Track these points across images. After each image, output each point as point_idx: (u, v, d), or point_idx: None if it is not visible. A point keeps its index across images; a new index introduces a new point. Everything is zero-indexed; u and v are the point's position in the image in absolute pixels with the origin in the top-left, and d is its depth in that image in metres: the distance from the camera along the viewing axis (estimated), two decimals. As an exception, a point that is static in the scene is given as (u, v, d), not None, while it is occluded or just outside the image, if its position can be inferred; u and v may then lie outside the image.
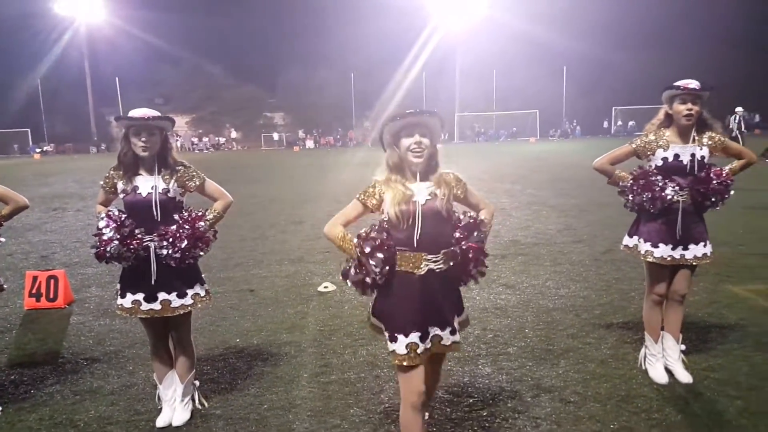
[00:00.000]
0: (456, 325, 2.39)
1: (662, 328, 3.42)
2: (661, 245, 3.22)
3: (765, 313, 4.36)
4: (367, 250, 2.23)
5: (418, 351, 2.26)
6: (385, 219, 2.30)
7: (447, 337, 2.35)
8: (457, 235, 2.35)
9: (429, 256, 2.28)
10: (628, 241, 3.45)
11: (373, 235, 2.26)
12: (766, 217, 8.25)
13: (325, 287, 5.36)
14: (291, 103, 50.83)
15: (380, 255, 2.22)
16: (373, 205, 2.35)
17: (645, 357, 3.47)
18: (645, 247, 3.28)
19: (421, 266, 2.27)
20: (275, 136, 48.55)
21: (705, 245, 3.26)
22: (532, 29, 41.26)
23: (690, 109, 3.05)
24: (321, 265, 6.31)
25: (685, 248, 3.22)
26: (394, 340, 2.29)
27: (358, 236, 2.30)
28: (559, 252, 6.60)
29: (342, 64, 46.29)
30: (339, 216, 2.42)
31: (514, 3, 41.90)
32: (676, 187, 3.13)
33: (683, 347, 3.42)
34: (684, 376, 3.28)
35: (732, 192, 3.19)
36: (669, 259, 3.23)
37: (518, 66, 43.61)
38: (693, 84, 3.05)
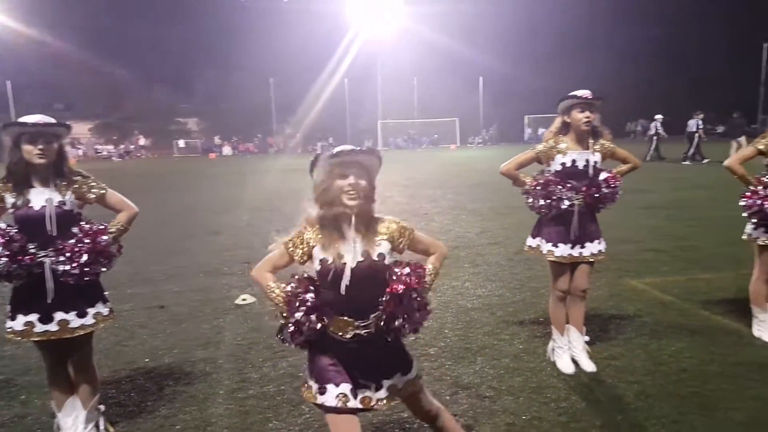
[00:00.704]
0: (398, 383, 2.16)
1: (567, 322, 3.63)
2: (560, 245, 3.43)
3: (659, 303, 4.73)
4: (299, 311, 2.04)
5: (348, 404, 2.08)
6: (316, 270, 2.08)
7: (375, 397, 2.13)
8: (391, 298, 2.02)
9: (356, 322, 2.05)
10: (531, 242, 3.64)
11: (301, 294, 2.05)
12: (660, 216, 8.94)
13: (243, 299, 5.22)
14: (206, 108, 48.82)
15: (311, 317, 2.03)
16: (299, 256, 2.11)
17: (553, 350, 3.66)
18: (547, 247, 3.49)
19: (348, 331, 2.07)
20: (180, 143, 45.55)
21: (599, 243, 3.50)
22: (448, 41, 42.63)
23: (588, 117, 3.29)
24: (239, 276, 6.15)
25: (582, 246, 3.45)
26: (323, 392, 2.10)
27: (287, 293, 2.08)
28: (477, 254, 6.83)
29: (261, 69, 45.17)
30: (266, 262, 2.18)
31: (430, 16, 43.12)
32: (571, 193, 3.35)
33: (587, 338, 3.66)
34: (588, 366, 3.49)
35: (620, 194, 3.45)
36: (568, 257, 3.44)
37: (438, 75, 44.81)
38: (587, 93, 3.29)
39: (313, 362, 2.16)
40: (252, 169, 24.17)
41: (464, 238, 7.86)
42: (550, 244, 3.47)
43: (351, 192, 2.01)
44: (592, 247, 3.47)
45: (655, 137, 21.10)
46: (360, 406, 2.10)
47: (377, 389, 2.13)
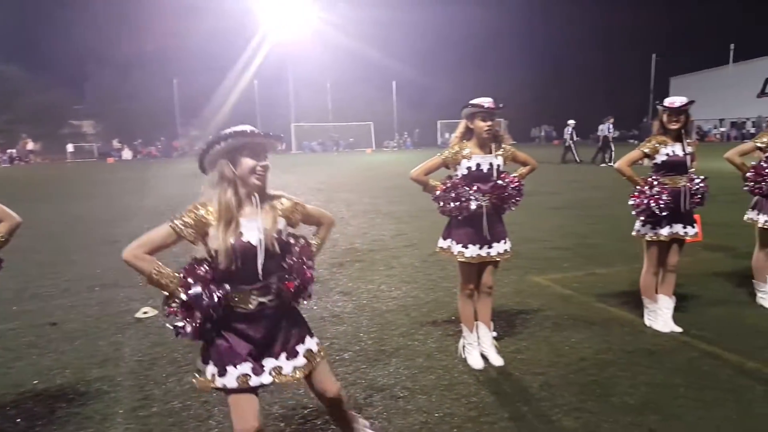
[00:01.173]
0: (301, 350, 2.26)
1: (476, 319, 3.75)
2: (470, 246, 3.54)
3: (561, 298, 5.00)
4: (195, 292, 2.03)
5: (250, 382, 2.12)
6: (212, 251, 2.08)
7: (286, 365, 2.21)
8: (288, 263, 2.20)
9: (259, 292, 2.14)
10: (442, 243, 3.71)
11: (199, 273, 2.06)
12: (563, 216, 9.49)
13: (145, 312, 4.92)
14: (103, 109, 45.34)
15: (209, 298, 2.03)
16: (190, 235, 2.08)
17: (463, 346, 3.76)
18: (457, 248, 3.58)
19: (251, 302, 2.14)
20: (70, 147, 41.57)
21: (505, 242, 3.64)
22: (362, 46, 42.97)
23: (490, 126, 3.43)
24: (140, 288, 5.81)
25: (490, 247, 3.57)
26: (223, 374, 2.12)
27: (184, 274, 2.07)
28: (392, 256, 6.89)
29: (163, 69, 42.95)
30: (144, 243, 2.07)
31: (344, 21, 43.32)
32: (479, 195, 3.47)
33: (495, 334, 3.79)
34: (496, 360, 3.62)
35: (523, 195, 3.63)
36: (477, 257, 3.56)
37: (352, 79, 45.07)
38: (488, 102, 3.41)
39: (211, 348, 2.16)
40: (154, 174, 22.91)
41: (380, 241, 7.92)
42: (460, 245, 3.56)
43: (261, 172, 2.11)
44: (499, 247, 3.60)
45: (570, 141, 22.42)
46: (264, 382, 2.17)
47: (292, 357, 2.22)
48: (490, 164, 3.51)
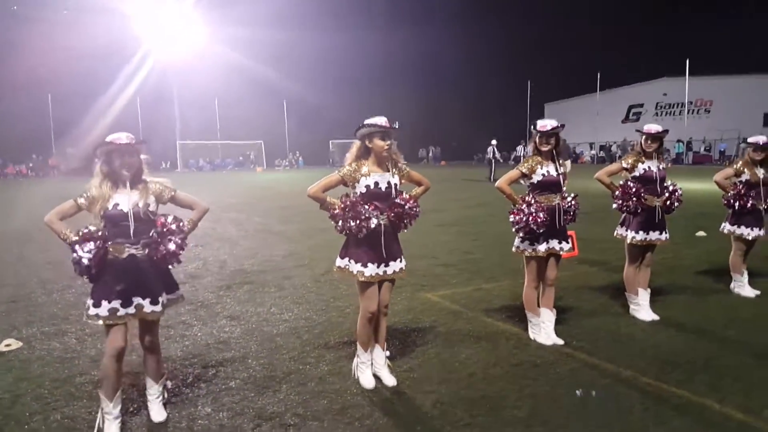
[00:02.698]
0: (163, 298, 3.16)
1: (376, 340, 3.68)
2: (369, 264, 3.46)
3: (450, 313, 5.09)
4: (81, 246, 2.93)
5: (118, 314, 2.99)
6: (107, 214, 3.00)
7: (148, 307, 3.08)
8: (155, 232, 3.07)
9: (130, 245, 3.01)
10: (339, 262, 3.60)
11: (87, 231, 2.97)
12: (449, 233, 9.80)
13: (8, 345, 4.32)
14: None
15: (91, 246, 2.93)
16: (87, 207, 3.03)
17: (357, 366, 3.67)
18: (357, 267, 3.49)
19: (124, 251, 3.00)
20: None
21: (401, 261, 3.62)
22: (252, 64, 42.18)
23: (389, 144, 3.45)
24: (3, 318, 5.09)
25: (387, 265, 3.52)
26: (98, 305, 2.98)
27: (79, 234, 2.97)
28: (284, 277, 6.67)
29: (36, 84, 39.15)
30: (56, 213, 3.04)
31: (232, 39, 42.25)
32: (378, 213, 3.44)
33: (388, 353, 3.74)
34: (389, 380, 3.57)
35: (420, 213, 3.61)
36: (376, 276, 3.49)
37: (241, 97, 43.93)
38: (384, 121, 3.43)
39: (94, 287, 3.03)
40: (25, 195, 20.75)
41: (271, 261, 7.64)
42: (359, 264, 3.48)
43: (129, 167, 3.06)
44: (395, 265, 3.57)
45: (492, 160, 23.55)
46: (132, 312, 3.05)
47: (152, 302, 3.09)
48: (389, 183, 3.50)
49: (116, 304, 2.98)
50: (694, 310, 5.06)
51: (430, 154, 51.12)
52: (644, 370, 3.74)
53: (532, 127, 4.44)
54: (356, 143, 3.56)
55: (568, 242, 4.31)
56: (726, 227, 5.53)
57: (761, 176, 5.33)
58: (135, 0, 39.26)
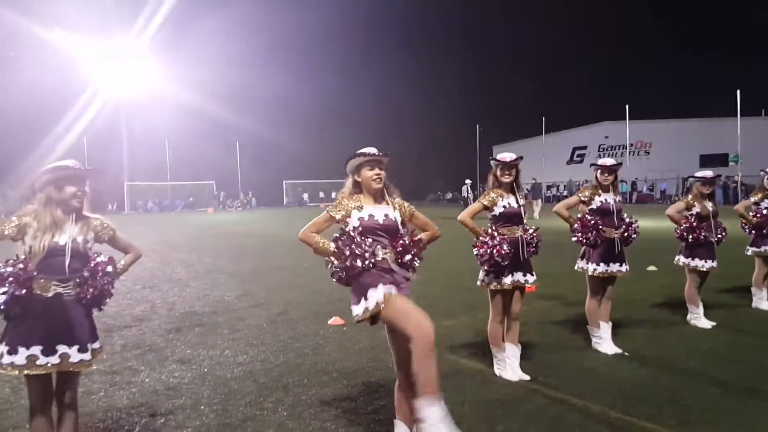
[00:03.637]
0: (94, 345, 2.81)
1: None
2: (390, 285, 2.92)
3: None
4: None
5: (37, 362, 2.62)
6: (28, 248, 2.68)
7: (76, 355, 2.70)
8: (87, 271, 2.78)
9: (59, 283, 2.69)
10: (356, 309, 2.95)
11: (11, 267, 2.63)
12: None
13: None
14: None
15: (11, 282, 2.59)
16: (12, 235, 2.70)
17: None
18: (380, 292, 2.86)
19: (50, 290, 2.68)
20: None
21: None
22: (204, 104, 41.86)
23: (378, 173, 3.07)
24: None
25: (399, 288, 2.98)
26: (13, 352, 2.60)
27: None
28: (237, 318, 6.36)
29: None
30: None
31: (182, 77, 42.02)
32: (379, 245, 3.00)
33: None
34: None
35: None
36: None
37: (192, 137, 43.37)
38: (373, 149, 3.11)
39: (8, 330, 2.66)
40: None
41: (223, 302, 7.31)
42: (381, 288, 2.86)
43: (79, 196, 2.82)
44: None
45: (468, 198, 24.58)
46: (56, 362, 2.65)
47: (80, 350, 2.72)
48: (386, 215, 3.08)
49: (36, 350, 2.61)
50: (654, 342, 5.10)
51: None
52: (612, 404, 3.67)
53: (490, 159, 4.43)
54: (349, 180, 3.20)
55: (533, 275, 4.28)
56: (680, 260, 5.67)
57: (710, 209, 5.53)
58: (85, 39, 38.60)
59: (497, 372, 4.26)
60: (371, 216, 3.06)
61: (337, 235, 3.04)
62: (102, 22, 39.39)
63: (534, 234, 4.29)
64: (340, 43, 57.11)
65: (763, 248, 6.26)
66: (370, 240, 2.98)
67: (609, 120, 45.56)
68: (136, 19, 39.44)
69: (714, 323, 5.57)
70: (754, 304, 6.28)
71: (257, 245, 14.29)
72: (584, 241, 4.73)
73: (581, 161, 46.37)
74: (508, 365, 4.22)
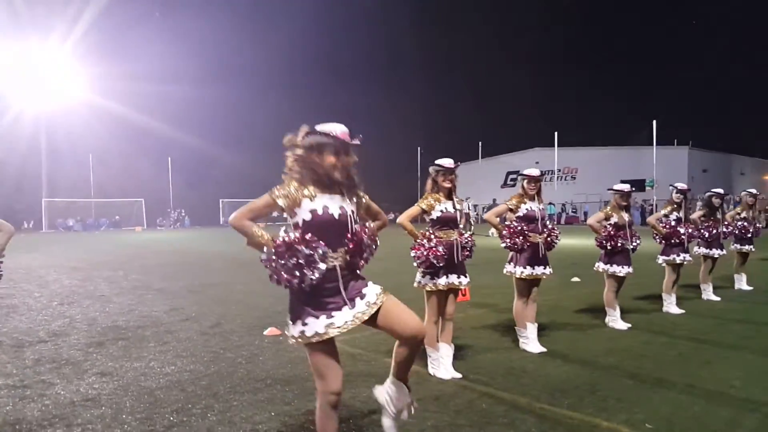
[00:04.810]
0: None
1: None
2: (336, 314, 2.60)
3: (350, 356, 4.93)
4: None
5: None
6: None
7: None
8: None
9: None
10: (293, 330, 2.63)
11: None
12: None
13: None
14: None
15: None
16: None
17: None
18: (322, 322, 2.57)
19: None
20: None
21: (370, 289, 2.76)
22: (133, 117, 40.45)
23: (343, 163, 2.64)
24: None
25: (353, 305, 2.65)
26: None
27: None
28: (166, 332, 6.12)
29: None
30: None
31: (111, 92, 40.47)
32: (329, 253, 2.57)
33: None
34: None
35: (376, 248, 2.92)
36: (351, 323, 2.65)
37: (120, 153, 41.66)
38: (340, 131, 2.67)
39: None
40: None
41: (150, 317, 7.01)
42: (323, 315, 2.58)
43: None
44: (360, 305, 2.67)
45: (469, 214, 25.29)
46: None
47: None
48: (342, 209, 2.65)
49: None
50: (576, 342, 5.37)
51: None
52: (537, 397, 3.84)
53: (430, 166, 4.53)
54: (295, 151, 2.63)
55: (466, 277, 4.42)
56: (600, 266, 6.03)
57: (627, 219, 5.93)
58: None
59: (431, 371, 4.35)
60: (326, 209, 2.60)
61: (281, 237, 2.51)
62: (14, 27, 37.35)
63: (468, 238, 4.45)
64: (282, 62, 57.10)
65: (672, 257, 6.77)
66: (320, 251, 2.52)
67: (539, 147, 47.79)
68: (55, 27, 37.76)
69: (629, 325, 5.94)
70: (664, 309, 6.74)
71: (189, 263, 13.81)
72: (512, 245, 4.95)
73: (514, 185, 48.24)
74: (442, 364, 4.32)
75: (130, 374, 4.55)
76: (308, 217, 2.59)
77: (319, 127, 2.63)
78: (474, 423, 3.41)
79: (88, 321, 6.78)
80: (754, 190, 8.67)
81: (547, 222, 5.18)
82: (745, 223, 8.21)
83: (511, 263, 5.10)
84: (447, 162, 4.36)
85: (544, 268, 5.04)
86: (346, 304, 2.62)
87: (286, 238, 2.50)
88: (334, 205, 2.64)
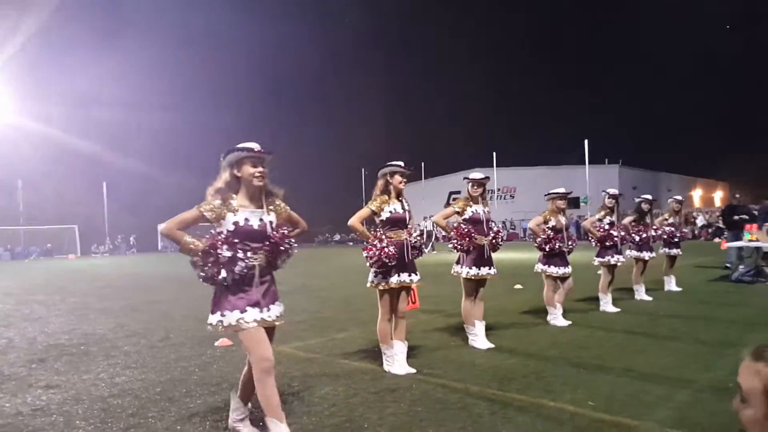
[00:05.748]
0: None
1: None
2: (249, 309, 2.97)
3: (306, 360, 5.00)
4: None
5: None
6: None
7: None
8: None
9: None
10: (212, 318, 3.00)
11: None
12: (292, 298, 9.55)
13: None
14: None
15: None
16: None
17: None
18: (234, 316, 2.95)
19: None
20: None
21: (279, 305, 3.15)
22: (67, 141, 38.81)
23: (261, 171, 3.03)
24: None
25: (268, 309, 3.05)
26: None
27: None
28: (112, 347, 5.96)
29: None
30: None
31: (42, 112, 38.80)
32: (249, 253, 2.97)
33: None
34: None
35: (293, 252, 3.19)
36: (261, 321, 2.99)
37: (52, 177, 39.72)
38: (256, 146, 3.04)
39: None
40: None
41: (95, 334, 6.79)
42: (236, 311, 2.95)
43: None
44: (276, 309, 3.10)
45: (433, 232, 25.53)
46: None
47: None
48: (261, 220, 3.05)
49: None
50: (521, 338, 5.65)
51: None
52: (488, 384, 4.05)
53: (380, 169, 4.61)
54: (223, 174, 3.08)
55: (417, 274, 4.60)
56: (539, 267, 6.38)
57: (564, 223, 6.33)
58: None
59: (386, 368, 4.48)
60: (246, 221, 3.00)
61: (209, 247, 2.91)
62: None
63: (418, 237, 4.64)
64: (221, 85, 56.47)
65: (607, 258, 7.24)
66: (241, 253, 2.92)
67: (479, 167, 49.31)
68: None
69: (570, 322, 6.29)
70: (601, 308, 7.17)
71: (129, 284, 13.36)
72: (459, 247, 5.19)
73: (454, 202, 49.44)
74: (396, 361, 4.45)
75: (79, 385, 4.44)
76: (231, 227, 3.00)
77: (238, 145, 3.04)
78: (430, 409, 3.57)
79: (27, 341, 6.49)
80: (680, 197, 9.38)
81: (492, 224, 5.44)
82: (673, 228, 8.85)
83: (459, 264, 5.34)
84: (401, 163, 4.55)
85: (489, 269, 5.30)
86: (260, 303, 3.02)
87: (212, 242, 2.93)
88: (254, 217, 3.06)
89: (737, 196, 13.86)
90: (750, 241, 10.25)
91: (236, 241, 2.95)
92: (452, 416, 3.44)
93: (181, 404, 3.86)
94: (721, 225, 21.10)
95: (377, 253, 4.33)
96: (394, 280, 4.43)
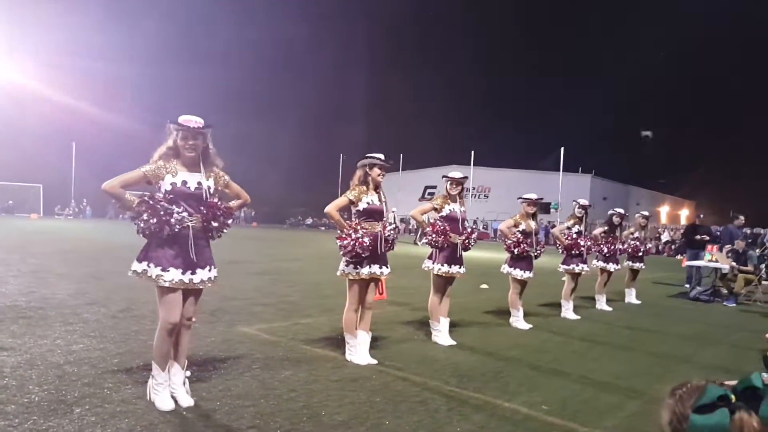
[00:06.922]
0: None
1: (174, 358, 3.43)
2: (171, 269, 3.21)
3: (269, 343, 5.00)
4: None
5: None
6: None
7: None
8: None
9: None
10: (137, 266, 3.26)
11: None
12: (263, 280, 9.57)
13: None
14: None
15: None
16: None
17: (152, 388, 3.36)
18: (156, 271, 3.21)
19: None
20: None
21: (211, 269, 3.40)
22: (36, 96, 37.36)
23: (192, 144, 3.28)
24: None
25: (194, 272, 3.29)
26: None
27: None
28: (72, 313, 5.84)
29: None
30: None
31: (16, 63, 37.32)
32: (184, 213, 3.24)
33: (188, 374, 3.52)
34: (186, 401, 3.33)
35: (231, 221, 3.46)
36: (180, 282, 3.24)
37: (18, 132, 38.34)
38: (193, 121, 3.29)
39: None
40: None
41: (54, 299, 6.64)
42: (159, 268, 3.21)
43: None
44: (203, 274, 3.35)
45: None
46: None
47: None
48: (199, 183, 3.32)
49: None
50: (483, 337, 5.75)
51: (242, 215, 50.05)
52: (447, 380, 4.12)
53: (358, 161, 4.65)
54: (165, 143, 3.34)
55: (387, 267, 4.62)
56: (505, 268, 6.49)
57: (534, 227, 6.44)
58: None
59: (348, 357, 4.51)
60: (184, 182, 3.29)
61: (146, 197, 3.22)
62: None
63: (392, 231, 4.66)
64: (210, 44, 55.27)
65: (572, 266, 7.40)
66: (177, 209, 3.21)
67: (457, 164, 49.57)
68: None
69: (531, 326, 6.43)
70: (562, 314, 7.34)
71: (93, 251, 13.07)
72: (434, 243, 5.24)
73: (431, 199, 49.69)
74: (359, 351, 4.49)
75: (34, 350, 4.35)
76: (169, 188, 3.26)
77: (179, 118, 3.29)
78: (389, 400, 3.62)
79: (-20, 301, 6.31)
80: (646, 213, 9.63)
81: (467, 224, 5.50)
82: (638, 243, 9.08)
83: (430, 260, 5.39)
84: (382, 156, 4.56)
85: (460, 268, 5.37)
86: (189, 265, 3.26)
87: (150, 199, 3.18)
88: (192, 180, 3.31)
89: (701, 216, 14.30)
90: (709, 261, 10.61)
91: (173, 197, 3.24)
92: (410, 409, 3.49)
93: (138, 377, 3.82)
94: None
95: (352, 243, 4.34)
96: (365, 271, 4.45)
